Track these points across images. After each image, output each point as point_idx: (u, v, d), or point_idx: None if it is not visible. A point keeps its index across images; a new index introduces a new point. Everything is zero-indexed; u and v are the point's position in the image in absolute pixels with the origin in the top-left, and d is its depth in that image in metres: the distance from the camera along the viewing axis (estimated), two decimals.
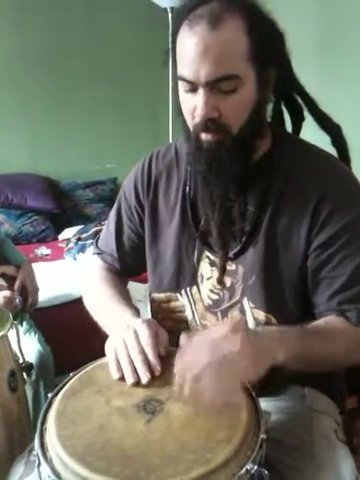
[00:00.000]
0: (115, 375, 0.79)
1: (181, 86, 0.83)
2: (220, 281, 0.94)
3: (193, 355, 0.72)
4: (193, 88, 0.80)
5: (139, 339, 0.80)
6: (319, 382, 0.97)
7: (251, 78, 0.80)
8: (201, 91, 0.78)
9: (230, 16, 0.76)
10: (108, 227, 1.12)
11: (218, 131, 0.81)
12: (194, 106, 0.81)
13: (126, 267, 1.10)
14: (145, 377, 0.77)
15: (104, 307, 0.99)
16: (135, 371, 0.78)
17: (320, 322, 0.87)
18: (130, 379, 0.77)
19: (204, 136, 0.83)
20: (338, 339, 0.85)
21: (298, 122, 0.98)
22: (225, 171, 0.84)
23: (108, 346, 0.84)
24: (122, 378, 0.78)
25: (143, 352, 0.79)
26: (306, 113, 0.95)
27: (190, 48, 0.77)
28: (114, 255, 1.09)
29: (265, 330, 0.82)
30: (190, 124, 0.85)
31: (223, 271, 0.93)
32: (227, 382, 0.70)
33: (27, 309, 1.58)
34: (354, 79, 2.37)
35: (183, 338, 0.77)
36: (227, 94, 0.79)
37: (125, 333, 0.82)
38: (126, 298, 1.02)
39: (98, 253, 1.12)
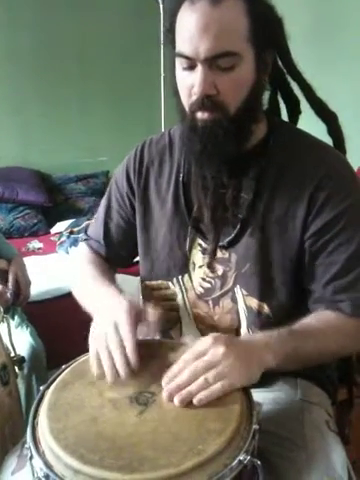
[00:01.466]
0: (94, 372, 0.78)
1: (179, 64, 0.83)
2: (210, 265, 0.94)
3: (180, 367, 0.73)
4: (191, 65, 0.80)
5: (120, 334, 0.79)
6: (311, 373, 0.98)
7: (249, 58, 0.80)
8: (200, 67, 0.79)
9: None
10: (98, 215, 1.12)
11: (215, 109, 0.81)
12: (191, 84, 0.81)
13: (113, 255, 1.10)
14: (123, 372, 0.75)
15: (88, 287, 0.99)
16: (114, 367, 0.77)
17: (312, 319, 0.87)
18: (109, 378, 0.76)
19: (200, 115, 0.82)
20: (331, 335, 0.86)
21: (294, 114, 0.98)
22: (219, 152, 0.84)
23: (91, 339, 0.82)
24: (102, 376, 0.77)
25: (123, 349, 0.77)
26: (302, 106, 0.95)
27: (191, 24, 0.77)
28: (100, 241, 1.09)
29: (251, 337, 0.82)
30: (186, 103, 0.84)
31: (213, 255, 0.93)
32: (215, 388, 0.71)
33: (19, 303, 1.58)
34: (349, 69, 2.37)
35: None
36: (225, 71, 0.79)
37: (107, 327, 0.80)
38: (110, 278, 1.02)
39: (85, 239, 1.13)
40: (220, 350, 0.72)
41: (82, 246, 1.13)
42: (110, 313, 0.82)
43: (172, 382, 0.72)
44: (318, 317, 0.88)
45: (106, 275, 1.02)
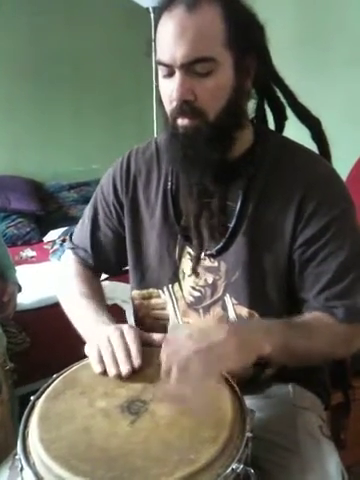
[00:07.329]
0: (97, 368, 0.79)
1: (160, 72, 0.83)
2: (194, 271, 0.94)
3: (179, 343, 0.73)
4: (170, 72, 0.81)
5: (124, 337, 0.81)
6: (303, 378, 0.98)
7: (228, 64, 0.80)
8: (177, 73, 0.79)
9: (207, 2, 0.78)
10: (83, 222, 1.11)
11: (194, 116, 0.81)
12: (171, 91, 0.81)
13: (100, 264, 1.09)
14: (125, 369, 0.77)
15: (76, 304, 1.00)
16: (117, 364, 0.78)
17: (306, 316, 0.88)
18: (112, 370, 0.78)
19: (180, 121, 0.83)
20: (323, 333, 0.86)
21: (281, 121, 0.98)
22: (201, 159, 0.84)
23: (89, 346, 0.84)
24: (104, 373, 0.79)
25: (127, 348, 0.80)
26: (287, 112, 0.96)
27: (167, 31, 0.78)
28: (88, 251, 1.08)
29: (251, 321, 0.82)
30: (168, 111, 0.85)
31: (197, 262, 0.93)
32: (213, 369, 0.71)
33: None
34: (337, 74, 2.39)
35: (170, 329, 0.78)
36: (203, 77, 0.79)
37: (110, 332, 0.83)
38: (98, 295, 1.02)
39: (72, 248, 1.11)
40: (222, 330, 0.74)
41: (69, 255, 1.11)
42: (115, 327, 0.85)
43: (172, 359, 0.72)
44: (313, 316, 0.88)
45: (94, 290, 1.03)
